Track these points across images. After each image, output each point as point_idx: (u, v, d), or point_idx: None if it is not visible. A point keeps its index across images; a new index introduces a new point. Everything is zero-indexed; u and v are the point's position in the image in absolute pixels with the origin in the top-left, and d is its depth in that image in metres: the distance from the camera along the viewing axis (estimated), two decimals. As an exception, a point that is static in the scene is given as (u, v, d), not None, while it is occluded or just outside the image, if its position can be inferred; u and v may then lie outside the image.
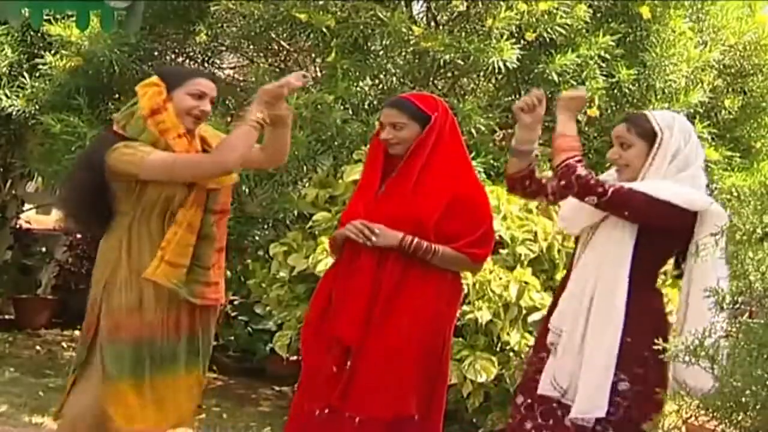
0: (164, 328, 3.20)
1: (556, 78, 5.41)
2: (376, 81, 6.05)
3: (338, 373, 3.20)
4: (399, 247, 3.19)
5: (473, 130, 5.36)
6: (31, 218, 9.13)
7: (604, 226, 3.04)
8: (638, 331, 2.93)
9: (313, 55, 6.15)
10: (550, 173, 5.39)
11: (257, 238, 6.12)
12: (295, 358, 5.34)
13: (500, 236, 4.64)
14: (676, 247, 3.12)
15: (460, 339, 4.65)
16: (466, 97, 6.10)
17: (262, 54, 6.39)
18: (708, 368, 2.50)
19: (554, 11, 5.43)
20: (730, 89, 6.28)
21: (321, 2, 5.51)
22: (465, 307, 4.52)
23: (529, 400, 3.04)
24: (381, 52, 5.74)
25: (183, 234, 3.17)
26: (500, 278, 4.63)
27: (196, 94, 3.26)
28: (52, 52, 6.03)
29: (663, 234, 3.04)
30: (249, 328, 7.13)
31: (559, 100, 3.23)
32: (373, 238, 3.19)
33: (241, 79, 6.72)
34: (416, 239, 3.20)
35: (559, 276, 4.84)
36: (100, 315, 3.21)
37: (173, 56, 6.39)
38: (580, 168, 3.02)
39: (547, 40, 5.50)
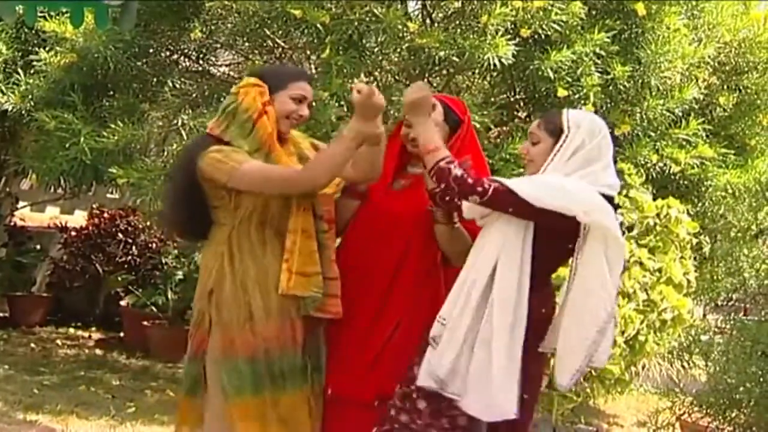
0: (280, 342, 3.07)
1: (551, 75, 5.41)
2: (371, 78, 6.04)
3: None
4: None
5: (468, 127, 5.36)
6: (25, 215, 9.13)
7: (498, 219, 2.99)
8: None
9: (308, 51, 6.14)
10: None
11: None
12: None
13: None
14: (569, 245, 3.02)
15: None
16: (462, 94, 6.10)
17: (257, 51, 6.37)
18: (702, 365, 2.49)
19: (549, 8, 5.43)
20: (724, 86, 6.29)
21: (316, -1, 5.51)
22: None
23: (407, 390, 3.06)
24: (376, 49, 5.73)
25: (302, 241, 3.07)
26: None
27: (297, 98, 3.17)
28: (47, 48, 6.02)
29: (551, 232, 2.98)
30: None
31: (405, 105, 3.11)
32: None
33: (236, 76, 6.70)
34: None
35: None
36: (211, 330, 3.09)
37: (168, 53, 6.37)
38: (455, 168, 2.95)
39: (543, 36, 5.49)
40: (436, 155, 2.98)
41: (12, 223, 8.71)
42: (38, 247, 8.78)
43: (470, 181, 2.92)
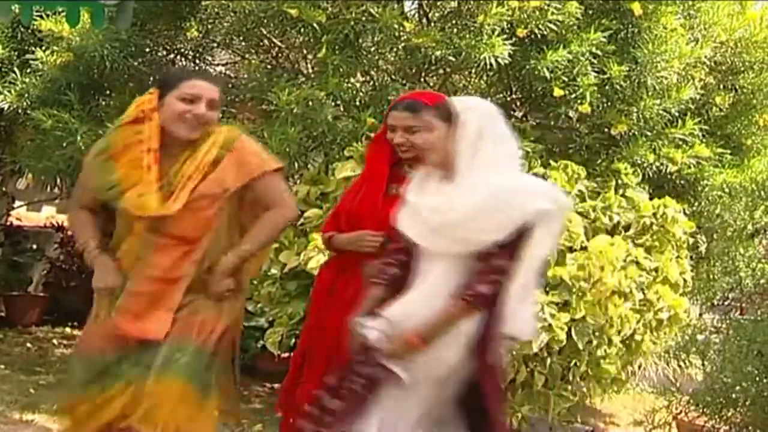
0: None
1: (547, 74, 5.41)
2: (368, 77, 6.05)
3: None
4: None
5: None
6: (21, 215, 9.12)
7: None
8: None
9: (305, 51, 6.14)
10: (541, 169, 5.41)
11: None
12: (286, 355, 5.34)
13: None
14: None
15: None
16: (458, 93, 6.10)
17: (253, 50, 6.37)
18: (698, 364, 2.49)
19: (545, 8, 5.43)
20: (721, 86, 6.30)
21: (312, -2, 5.51)
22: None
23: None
24: (372, 49, 5.73)
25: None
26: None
27: (187, 98, 3.00)
28: (43, 47, 6.01)
29: None
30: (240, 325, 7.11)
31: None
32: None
33: (232, 75, 6.70)
34: None
35: (550, 272, 4.84)
36: None
37: (164, 52, 6.37)
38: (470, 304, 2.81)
39: (539, 36, 5.50)
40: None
41: (8, 223, 8.69)
42: (34, 246, 8.76)
43: (486, 291, 2.80)
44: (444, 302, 2.78)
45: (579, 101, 5.46)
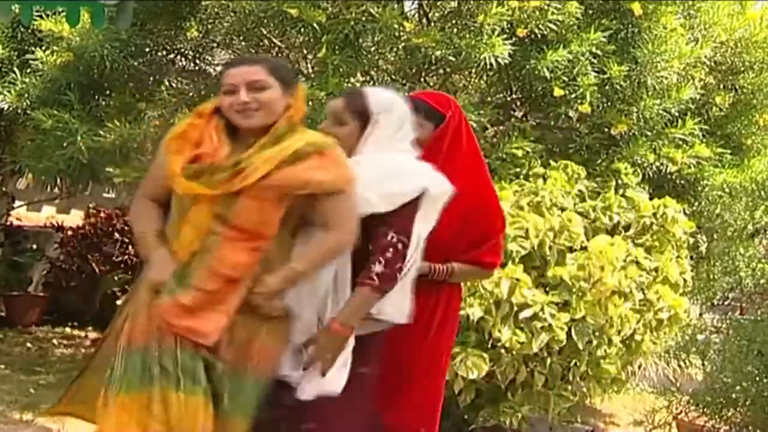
0: None
1: (547, 74, 5.41)
2: (368, 77, 6.04)
3: None
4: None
5: (465, 127, 5.36)
6: (21, 215, 9.12)
7: None
8: None
9: (305, 51, 6.14)
10: (541, 169, 5.41)
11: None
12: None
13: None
14: None
15: (452, 335, 4.65)
16: (458, 93, 6.10)
17: (253, 50, 6.36)
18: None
19: (546, 8, 5.43)
20: (721, 86, 6.30)
21: (312, -2, 5.51)
22: (456, 304, 4.52)
23: None
24: (372, 49, 5.73)
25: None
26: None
27: (228, 90, 2.89)
28: (43, 47, 6.01)
29: None
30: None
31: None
32: None
33: (232, 75, 6.69)
34: (436, 266, 3.16)
35: (550, 272, 4.85)
36: None
37: (164, 52, 6.36)
38: (376, 281, 2.86)
39: (539, 36, 5.50)
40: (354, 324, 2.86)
41: (8, 223, 8.70)
42: (35, 246, 8.77)
43: (390, 271, 2.86)
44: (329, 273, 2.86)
45: (579, 101, 5.46)
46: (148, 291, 2.79)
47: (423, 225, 2.94)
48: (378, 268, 2.83)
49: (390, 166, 2.93)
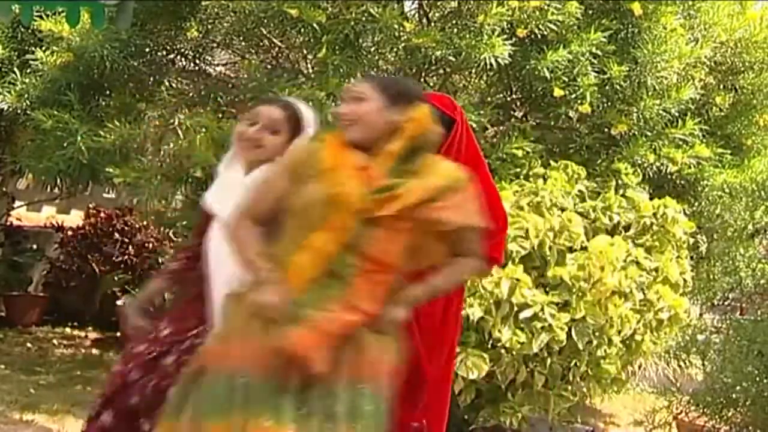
0: None
1: (547, 74, 5.41)
2: (368, 77, 6.04)
3: None
4: None
5: (465, 127, 5.36)
6: (21, 215, 9.12)
7: None
8: None
9: (305, 51, 6.13)
10: (541, 169, 5.41)
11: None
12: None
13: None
14: None
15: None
16: (458, 93, 6.10)
17: (253, 50, 6.37)
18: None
19: (546, 8, 5.43)
20: (721, 86, 6.30)
21: (312, -2, 5.51)
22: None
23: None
24: (372, 49, 5.73)
25: None
26: (491, 275, 4.63)
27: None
28: (43, 48, 6.01)
29: None
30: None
31: None
32: None
33: (232, 75, 6.70)
34: None
35: (550, 273, 4.85)
36: None
37: (164, 53, 6.36)
38: None
39: (539, 36, 5.50)
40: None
41: (8, 223, 8.70)
42: (35, 246, 8.77)
43: None
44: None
45: (579, 101, 5.46)
46: (253, 316, 2.63)
47: None
48: None
49: None
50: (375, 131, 2.71)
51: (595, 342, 4.85)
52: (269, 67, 6.15)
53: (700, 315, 7.21)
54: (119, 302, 8.16)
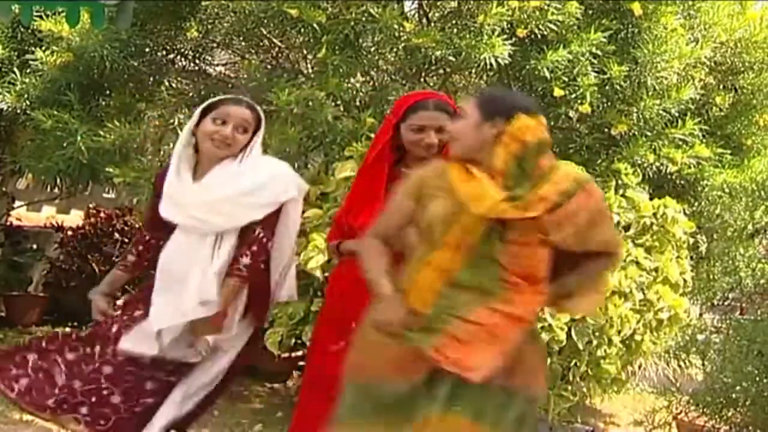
0: None
1: (547, 74, 5.41)
2: (368, 77, 6.05)
3: None
4: None
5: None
6: (21, 215, 9.11)
7: None
8: None
9: (305, 51, 6.14)
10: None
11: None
12: (286, 355, 5.34)
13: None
14: None
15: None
16: (458, 93, 6.10)
17: (253, 50, 6.37)
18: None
19: (546, 8, 5.43)
20: (721, 86, 6.30)
21: (312, -2, 5.51)
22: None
23: None
24: (372, 49, 5.73)
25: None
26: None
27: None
28: (43, 48, 6.01)
29: None
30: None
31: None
32: None
33: (232, 75, 6.70)
34: None
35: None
36: None
37: (164, 53, 6.36)
38: None
39: (539, 36, 5.50)
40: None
41: (8, 223, 8.69)
42: (34, 246, 8.75)
43: (248, 261, 3.30)
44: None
45: (579, 101, 5.46)
46: (376, 330, 2.74)
47: (293, 220, 3.42)
48: (245, 260, 3.25)
49: (268, 176, 3.36)
50: (472, 147, 2.78)
51: (595, 342, 4.85)
52: (269, 67, 6.15)
53: (700, 315, 7.20)
54: (119, 302, 8.15)
